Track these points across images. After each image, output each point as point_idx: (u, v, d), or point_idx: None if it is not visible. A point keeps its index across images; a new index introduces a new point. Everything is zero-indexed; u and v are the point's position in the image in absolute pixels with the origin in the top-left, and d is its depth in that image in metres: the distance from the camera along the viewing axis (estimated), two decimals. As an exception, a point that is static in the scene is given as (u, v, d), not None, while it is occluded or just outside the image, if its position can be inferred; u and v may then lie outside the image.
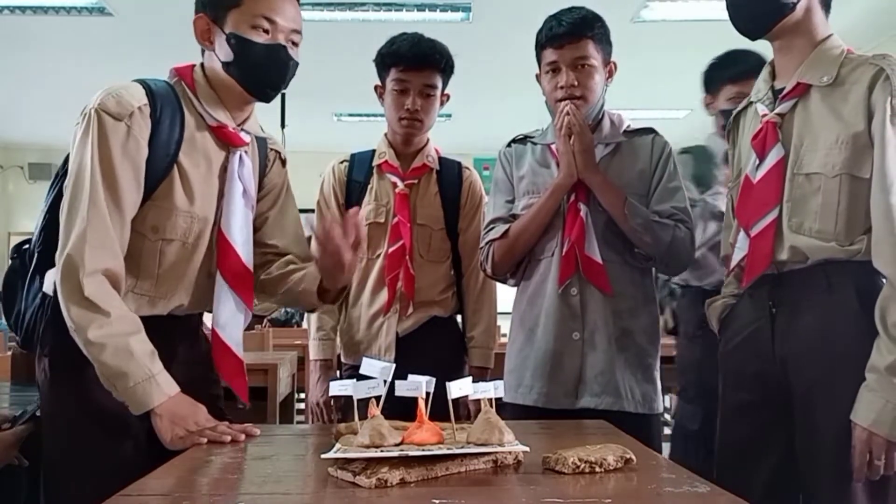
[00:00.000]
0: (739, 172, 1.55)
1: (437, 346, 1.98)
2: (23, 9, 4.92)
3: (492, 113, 7.03)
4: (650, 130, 1.81)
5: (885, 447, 1.26)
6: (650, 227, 1.66)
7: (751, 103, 1.57)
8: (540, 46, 1.76)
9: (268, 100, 1.45)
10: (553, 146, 1.79)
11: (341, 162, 2.05)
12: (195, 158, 1.39)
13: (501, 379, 1.42)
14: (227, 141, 1.43)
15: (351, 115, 7.39)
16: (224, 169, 1.43)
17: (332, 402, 1.97)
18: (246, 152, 1.46)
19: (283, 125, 6.70)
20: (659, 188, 1.74)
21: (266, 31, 1.37)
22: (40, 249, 1.38)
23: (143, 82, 1.36)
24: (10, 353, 2.51)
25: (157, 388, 1.25)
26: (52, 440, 1.35)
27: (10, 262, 1.47)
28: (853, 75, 1.37)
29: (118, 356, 1.24)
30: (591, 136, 1.69)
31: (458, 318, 2.11)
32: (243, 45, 1.36)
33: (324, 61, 5.97)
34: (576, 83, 1.69)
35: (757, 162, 1.46)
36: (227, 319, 1.42)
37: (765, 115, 1.46)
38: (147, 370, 1.25)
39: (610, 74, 1.78)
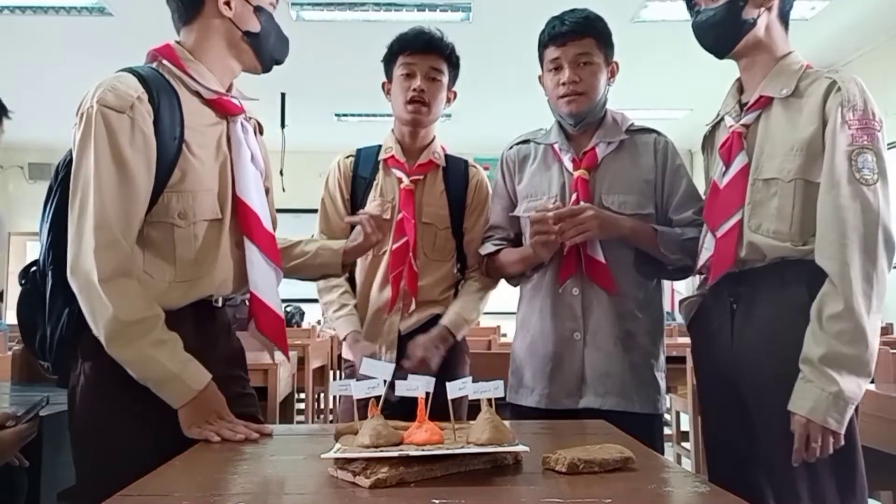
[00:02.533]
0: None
1: None
2: (23, 9, 4.92)
3: (492, 113, 7.03)
4: (652, 130, 1.83)
5: (821, 432, 1.34)
6: (685, 248, 1.69)
7: (722, 117, 1.64)
8: (542, 46, 1.79)
9: (268, 71, 1.52)
10: (556, 145, 1.81)
11: (347, 157, 2.04)
12: (200, 135, 1.38)
13: (501, 379, 1.42)
14: (224, 111, 1.43)
15: (351, 114, 7.40)
16: (228, 139, 1.44)
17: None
18: (245, 119, 1.48)
19: (283, 125, 6.70)
20: (677, 197, 1.76)
21: (273, 6, 1.46)
22: (52, 268, 1.35)
23: (132, 71, 1.34)
24: (10, 353, 2.51)
25: (183, 386, 1.29)
26: (92, 446, 1.33)
27: (20, 287, 1.43)
28: (810, 88, 1.47)
29: (145, 366, 1.27)
30: (591, 219, 1.63)
31: None
32: (268, 20, 1.45)
33: (324, 61, 5.97)
34: (577, 79, 1.72)
35: (723, 169, 1.55)
36: (263, 280, 1.45)
37: (731, 126, 1.56)
38: (171, 372, 1.28)
39: (612, 75, 1.80)
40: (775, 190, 1.46)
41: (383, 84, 2.01)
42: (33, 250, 8.83)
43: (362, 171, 2.00)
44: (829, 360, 1.34)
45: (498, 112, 6.96)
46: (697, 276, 1.71)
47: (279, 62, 1.53)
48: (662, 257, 1.70)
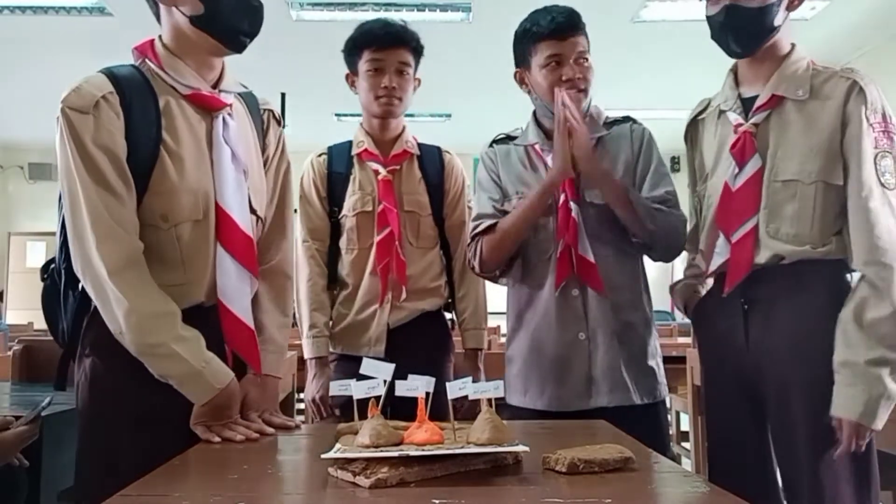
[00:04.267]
0: (705, 177, 1.62)
1: (426, 341, 1.97)
2: (23, 9, 4.93)
3: (492, 113, 7.00)
4: (627, 119, 1.80)
5: (867, 434, 1.37)
6: (652, 214, 1.64)
7: (707, 107, 1.64)
8: (535, 39, 1.72)
9: (242, 49, 1.40)
10: (537, 146, 1.77)
11: (319, 155, 2.03)
12: (179, 134, 1.34)
13: (500, 379, 1.40)
14: (206, 106, 1.38)
15: (351, 114, 7.40)
16: (210, 137, 1.38)
17: (329, 399, 1.96)
18: (229, 114, 1.41)
19: (283, 125, 6.69)
20: (649, 175, 1.72)
21: None
22: (65, 266, 1.35)
23: (106, 70, 1.33)
24: (10, 353, 2.51)
25: (206, 384, 1.28)
26: (92, 442, 1.32)
27: (42, 283, 1.45)
28: (826, 88, 1.46)
29: (167, 362, 1.27)
30: (585, 129, 1.64)
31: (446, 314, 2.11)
32: None
33: (324, 61, 5.96)
34: (580, 76, 1.68)
35: (736, 170, 1.51)
36: (232, 289, 1.38)
37: (739, 125, 1.52)
38: (195, 369, 1.27)
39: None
40: (794, 191, 1.45)
41: (347, 76, 2.01)
42: (33, 250, 8.85)
43: (336, 167, 1.99)
44: (876, 363, 1.35)
45: (498, 112, 6.95)
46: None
47: (248, 34, 1.39)
48: (632, 220, 1.65)
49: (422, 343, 1.94)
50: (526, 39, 1.74)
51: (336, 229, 1.98)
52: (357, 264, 1.95)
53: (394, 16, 1.98)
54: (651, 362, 1.74)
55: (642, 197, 1.67)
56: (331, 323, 2.01)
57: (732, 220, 1.51)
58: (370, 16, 4.90)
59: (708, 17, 1.52)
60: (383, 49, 1.90)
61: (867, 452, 1.41)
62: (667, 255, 1.74)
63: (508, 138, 1.86)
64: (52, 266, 1.42)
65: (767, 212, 1.47)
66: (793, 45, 1.53)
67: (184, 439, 1.26)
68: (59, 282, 1.39)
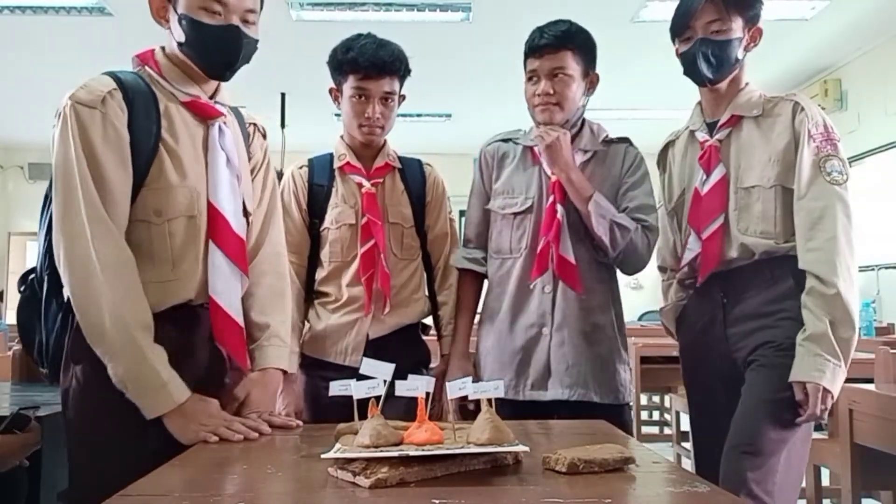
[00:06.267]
0: (682, 193, 1.82)
1: (403, 354, 1.94)
2: (23, 9, 4.93)
3: (492, 113, 7.01)
4: (625, 140, 1.91)
5: (829, 398, 1.55)
6: (610, 228, 1.75)
7: (677, 136, 1.89)
8: (525, 56, 1.85)
9: (224, 79, 1.45)
10: (535, 148, 1.87)
11: (300, 167, 2.02)
12: (178, 135, 1.38)
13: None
14: (202, 114, 1.42)
15: (351, 115, 7.40)
16: (206, 142, 1.42)
17: (294, 413, 1.91)
18: (225, 123, 1.46)
19: (283, 125, 6.70)
20: (629, 188, 1.84)
21: (217, 13, 1.36)
22: (49, 273, 1.36)
23: (109, 73, 1.37)
24: (10, 353, 2.51)
25: (167, 397, 1.27)
26: (83, 447, 1.33)
27: (19, 294, 1.45)
28: (776, 109, 1.72)
29: (136, 367, 1.26)
30: (559, 139, 1.77)
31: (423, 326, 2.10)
32: (194, 27, 1.36)
33: (324, 61, 5.98)
34: (551, 91, 1.79)
35: (704, 177, 1.75)
36: (223, 286, 1.40)
37: (705, 141, 1.77)
38: (162, 380, 1.27)
39: (591, 85, 1.88)
40: (757, 196, 1.68)
41: (331, 90, 1.99)
42: (33, 250, 8.83)
43: (318, 179, 1.98)
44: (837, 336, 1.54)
45: (498, 112, 6.96)
46: (662, 281, 1.91)
47: (230, 65, 1.42)
48: (592, 226, 1.75)
49: (399, 356, 1.91)
50: (524, 55, 1.87)
51: (315, 241, 1.97)
52: (339, 275, 1.93)
53: (394, 16, 1.96)
54: (618, 365, 1.82)
55: (608, 207, 1.76)
56: (306, 328, 1.98)
57: (702, 218, 1.73)
58: (370, 16, 4.94)
59: (681, 55, 1.74)
60: (368, 78, 1.87)
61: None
62: (624, 268, 1.86)
63: (509, 139, 1.96)
64: (32, 276, 1.43)
65: (738, 213, 1.69)
66: (747, 83, 1.77)
67: (181, 443, 1.26)
68: (39, 291, 1.39)
